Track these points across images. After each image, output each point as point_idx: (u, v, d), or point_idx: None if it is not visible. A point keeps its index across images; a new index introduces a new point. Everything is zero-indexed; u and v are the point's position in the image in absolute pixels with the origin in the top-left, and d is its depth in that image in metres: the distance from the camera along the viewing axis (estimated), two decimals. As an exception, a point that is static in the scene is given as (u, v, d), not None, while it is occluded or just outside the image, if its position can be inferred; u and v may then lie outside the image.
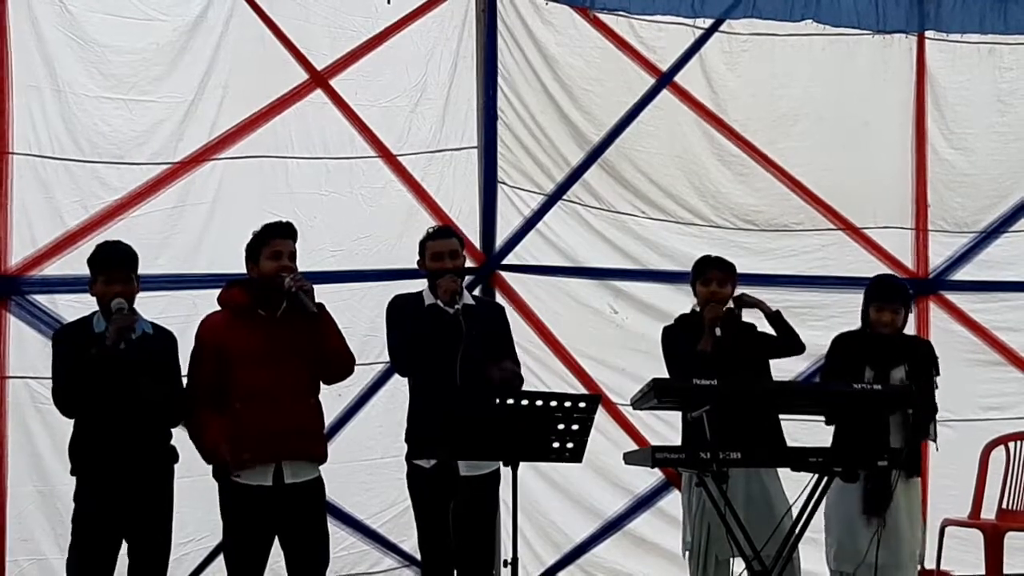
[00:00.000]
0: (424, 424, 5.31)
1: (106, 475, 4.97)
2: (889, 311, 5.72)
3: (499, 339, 5.52)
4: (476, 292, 6.89)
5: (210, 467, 5.19)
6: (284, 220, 5.26)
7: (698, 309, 5.82)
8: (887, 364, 5.70)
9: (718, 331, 5.61)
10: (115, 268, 5.08)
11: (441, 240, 5.51)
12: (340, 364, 5.33)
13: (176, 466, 5.19)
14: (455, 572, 5.33)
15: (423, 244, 5.54)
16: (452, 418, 4.85)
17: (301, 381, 5.16)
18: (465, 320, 5.25)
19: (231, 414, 5.06)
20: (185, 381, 5.25)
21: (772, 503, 5.61)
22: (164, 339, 5.22)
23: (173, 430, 5.19)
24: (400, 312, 5.49)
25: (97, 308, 5.09)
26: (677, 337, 5.79)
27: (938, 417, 5.87)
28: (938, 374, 5.84)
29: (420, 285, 5.58)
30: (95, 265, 5.11)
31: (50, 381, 5.12)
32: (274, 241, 5.17)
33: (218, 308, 5.28)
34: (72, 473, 5.08)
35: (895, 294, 5.81)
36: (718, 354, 5.61)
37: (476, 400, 4.88)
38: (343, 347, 5.32)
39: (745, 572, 5.19)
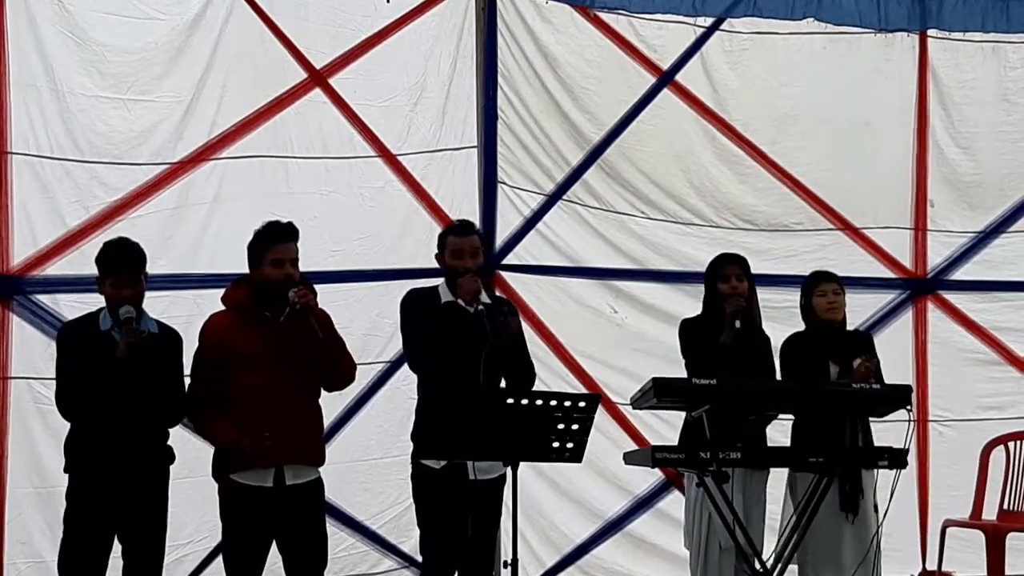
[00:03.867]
0: (435, 424, 5.21)
1: (103, 474, 4.93)
2: (831, 290, 5.78)
3: (514, 339, 5.45)
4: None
5: (210, 468, 5.16)
6: (285, 221, 5.18)
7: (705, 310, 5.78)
8: (849, 357, 5.68)
9: (738, 323, 5.54)
10: (124, 271, 5.02)
11: (463, 237, 5.41)
12: (341, 377, 5.28)
13: (176, 467, 5.16)
14: (456, 574, 5.30)
15: (443, 238, 5.45)
16: (455, 418, 4.83)
17: (302, 384, 5.12)
18: (488, 320, 5.20)
19: (232, 416, 5.03)
20: (188, 381, 5.21)
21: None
22: (169, 338, 5.17)
23: (173, 431, 5.17)
24: (416, 307, 5.38)
25: (104, 304, 5.03)
26: (695, 330, 5.73)
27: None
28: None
29: (419, 284, 5.55)
30: (104, 267, 5.05)
31: (52, 382, 5.09)
32: (276, 247, 5.09)
33: (222, 308, 5.25)
34: (66, 470, 5.03)
35: (830, 275, 5.89)
36: (737, 347, 5.56)
37: (481, 399, 4.87)
38: (345, 360, 5.25)
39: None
